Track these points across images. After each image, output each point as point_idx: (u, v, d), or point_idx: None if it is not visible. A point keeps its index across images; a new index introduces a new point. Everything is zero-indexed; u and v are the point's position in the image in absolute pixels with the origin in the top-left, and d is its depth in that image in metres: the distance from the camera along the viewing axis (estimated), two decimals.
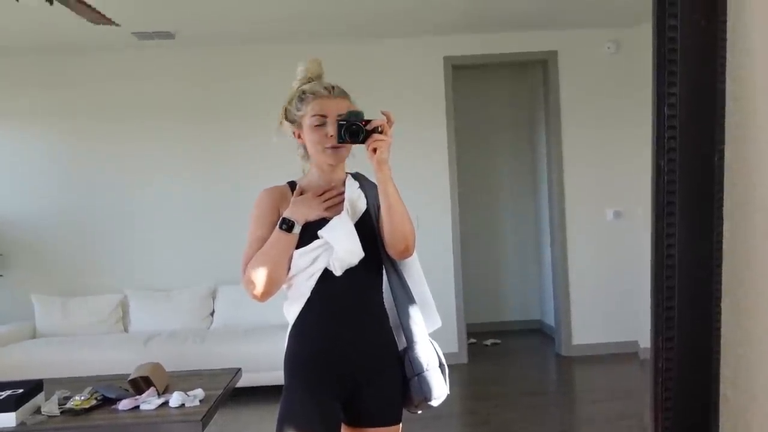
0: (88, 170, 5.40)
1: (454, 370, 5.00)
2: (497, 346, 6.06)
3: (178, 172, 5.41)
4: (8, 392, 2.37)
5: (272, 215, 1.81)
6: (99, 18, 2.55)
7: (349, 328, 1.79)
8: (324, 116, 1.78)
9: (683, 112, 0.87)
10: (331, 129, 1.77)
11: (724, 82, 0.88)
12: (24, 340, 4.94)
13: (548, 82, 5.57)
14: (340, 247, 1.75)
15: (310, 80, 1.86)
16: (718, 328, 0.91)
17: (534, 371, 5.40)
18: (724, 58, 0.87)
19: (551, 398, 4.74)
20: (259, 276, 1.73)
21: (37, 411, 2.41)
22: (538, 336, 6.41)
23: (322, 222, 1.78)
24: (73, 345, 4.74)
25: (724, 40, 0.87)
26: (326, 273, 1.77)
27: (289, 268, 1.77)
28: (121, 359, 4.23)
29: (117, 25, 2.64)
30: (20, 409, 2.31)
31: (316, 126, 1.79)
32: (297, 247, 1.77)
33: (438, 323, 1.97)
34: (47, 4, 2.48)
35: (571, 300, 5.54)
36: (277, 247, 1.75)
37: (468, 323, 5.61)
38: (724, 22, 0.86)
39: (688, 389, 0.91)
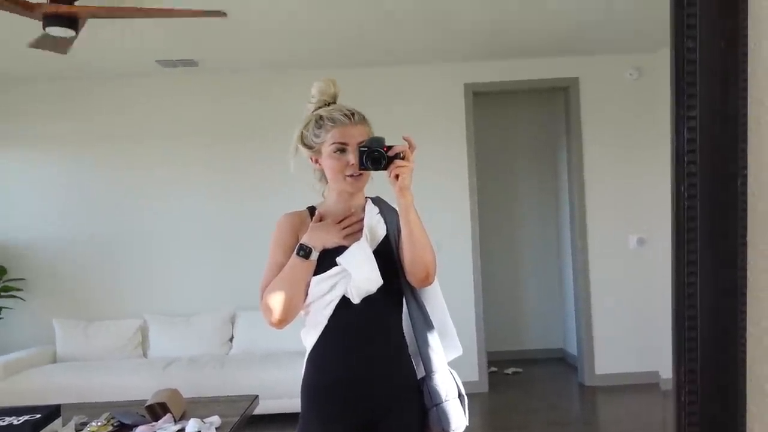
0: (110, 196, 5.46)
1: (475, 400, 4.94)
2: (518, 375, 5.96)
3: (199, 199, 5.45)
4: (26, 417, 2.37)
5: (291, 241, 1.79)
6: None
7: (365, 357, 1.76)
8: (345, 144, 1.76)
9: (703, 136, 0.85)
10: (352, 157, 1.74)
11: (746, 104, 0.86)
12: (45, 364, 4.97)
13: (570, 109, 5.55)
14: (358, 275, 1.72)
15: (326, 103, 1.85)
16: (744, 360, 0.88)
17: (556, 401, 5.29)
18: (746, 80, 0.85)
19: (574, 429, 4.64)
20: (276, 302, 1.72)
21: None
22: (560, 365, 6.30)
23: (341, 248, 1.76)
24: (92, 370, 4.76)
25: (745, 62, 0.85)
26: (344, 301, 1.74)
27: (307, 295, 1.76)
28: (140, 384, 4.24)
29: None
30: None
31: (336, 153, 1.77)
32: (315, 274, 1.75)
33: (459, 352, 1.93)
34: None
35: (593, 329, 5.45)
36: (293, 274, 1.73)
37: (489, 351, 5.54)
38: (745, 44, 0.85)
39: (714, 425, 0.87)
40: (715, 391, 0.87)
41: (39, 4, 2.63)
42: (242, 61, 5.19)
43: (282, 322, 1.74)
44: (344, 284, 1.74)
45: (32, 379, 4.61)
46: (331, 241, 1.76)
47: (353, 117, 1.79)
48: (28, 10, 2.55)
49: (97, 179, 5.48)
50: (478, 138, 5.60)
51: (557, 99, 6.02)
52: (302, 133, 1.85)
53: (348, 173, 1.77)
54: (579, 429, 4.67)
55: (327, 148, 1.78)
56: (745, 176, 0.87)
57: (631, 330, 5.36)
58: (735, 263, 0.86)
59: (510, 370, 6.03)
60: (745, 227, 0.87)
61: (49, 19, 2.63)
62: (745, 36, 0.84)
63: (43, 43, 2.86)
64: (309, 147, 1.84)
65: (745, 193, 0.87)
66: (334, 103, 1.85)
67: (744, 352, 0.88)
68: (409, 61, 5.34)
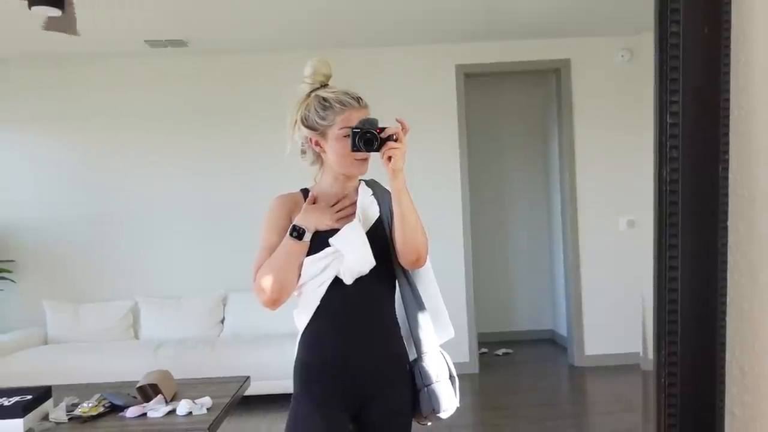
0: (100, 177, 5.44)
1: (466, 380, 4.97)
2: (509, 356, 6.02)
3: (189, 180, 5.43)
4: (17, 398, 2.37)
5: (284, 222, 1.79)
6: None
7: (358, 338, 1.77)
8: None
9: (686, 121, 0.85)
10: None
11: (728, 90, 0.86)
12: (35, 346, 4.96)
13: (561, 91, 5.54)
14: (350, 256, 1.73)
15: (321, 83, 1.83)
16: (723, 343, 0.89)
17: (546, 382, 5.35)
18: (728, 65, 0.85)
19: (564, 410, 4.69)
20: (269, 283, 1.72)
21: (45, 418, 2.42)
22: (550, 346, 6.35)
23: (334, 230, 1.76)
24: (83, 351, 4.76)
25: (728, 47, 0.85)
26: (337, 281, 1.75)
27: (300, 276, 1.76)
28: (131, 366, 4.24)
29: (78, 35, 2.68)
30: (28, 415, 2.32)
31: (346, 137, 1.74)
32: (307, 255, 1.75)
33: (451, 334, 1.94)
34: (58, 12, 2.51)
35: (583, 310, 5.49)
36: (286, 255, 1.74)
37: (479, 333, 5.58)
38: (728, 29, 0.85)
39: (693, 406, 0.88)
40: (695, 372, 0.89)
41: None
42: (231, 42, 5.15)
43: (275, 303, 1.75)
44: (337, 265, 1.74)
45: (23, 361, 4.61)
46: (324, 223, 1.76)
47: (360, 101, 1.78)
48: None
49: (87, 160, 5.45)
50: (470, 119, 5.60)
51: (549, 81, 6.01)
52: (303, 113, 1.81)
53: (356, 157, 1.77)
54: (568, 409, 4.72)
55: (335, 131, 1.76)
56: (727, 161, 0.87)
57: (621, 311, 5.40)
58: (716, 247, 0.87)
59: (500, 351, 6.08)
60: (726, 212, 0.87)
61: None
62: (728, 21, 0.85)
63: (53, 23, 2.83)
64: (311, 128, 1.80)
65: (726, 178, 0.87)
66: (328, 83, 1.84)
67: (724, 335, 0.89)
68: (401, 42, 5.32)
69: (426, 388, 1.81)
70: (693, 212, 0.86)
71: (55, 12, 2.58)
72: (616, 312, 5.43)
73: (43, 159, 5.44)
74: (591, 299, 5.49)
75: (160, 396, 2.56)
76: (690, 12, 0.84)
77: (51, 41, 4.87)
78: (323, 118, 1.77)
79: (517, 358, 5.97)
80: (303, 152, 1.88)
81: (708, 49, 0.85)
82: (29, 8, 2.71)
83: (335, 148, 1.77)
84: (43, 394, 2.47)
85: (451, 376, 1.86)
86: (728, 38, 0.85)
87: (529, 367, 5.75)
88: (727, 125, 0.86)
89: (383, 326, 1.83)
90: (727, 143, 0.86)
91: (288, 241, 1.74)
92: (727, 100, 0.86)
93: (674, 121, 0.85)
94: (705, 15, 0.84)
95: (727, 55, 0.85)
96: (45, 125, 5.43)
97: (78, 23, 3.79)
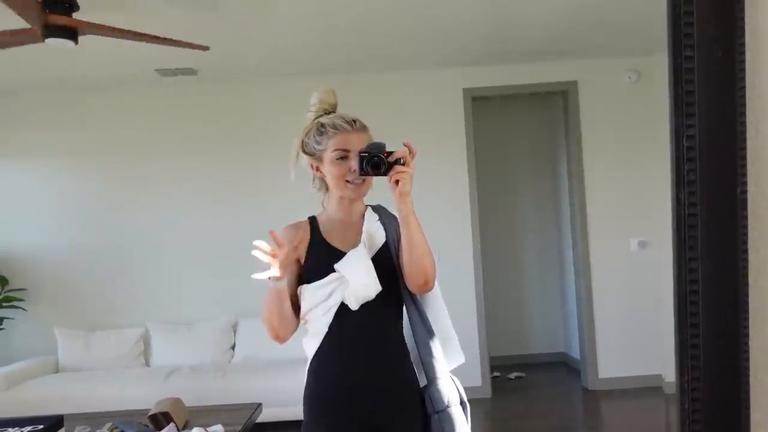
0: (110, 205, 5.47)
1: (478, 405, 4.93)
2: (521, 380, 5.95)
3: (199, 207, 5.45)
4: (29, 428, 2.37)
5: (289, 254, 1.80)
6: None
7: (366, 365, 1.76)
8: (347, 150, 1.77)
9: (702, 144, 0.85)
10: (354, 164, 1.75)
11: (744, 112, 0.86)
12: (47, 374, 4.96)
13: (568, 113, 5.55)
14: (355, 281, 1.73)
15: (326, 111, 1.86)
16: (747, 368, 0.88)
17: (560, 406, 5.28)
18: (743, 88, 0.85)
19: None
20: (267, 322, 1.77)
21: None
22: (563, 369, 6.29)
23: (340, 255, 1.77)
24: (94, 379, 4.75)
25: (743, 70, 0.85)
26: (343, 308, 1.75)
27: (299, 311, 1.78)
28: (142, 394, 4.22)
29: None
30: None
31: (339, 160, 1.78)
32: (313, 281, 1.76)
33: (461, 359, 1.93)
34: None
35: (596, 332, 5.44)
36: (272, 299, 1.76)
37: (491, 356, 5.53)
38: (742, 52, 0.85)
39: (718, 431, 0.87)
40: (718, 398, 0.87)
41: (40, 15, 2.63)
42: (241, 70, 5.20)
43: (280, 339, 1.78)
44: (342, 291, 1.74)
45: (34, 390, 4.60)
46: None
47: (355, 124, 1.81)
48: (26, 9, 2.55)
49: (97, 189, 5.48)
50: (478, 143, 5.61)
51: (556, 103, 6.02)
52: (303, 140, 1.85)
53: (350, 179, 1.78)
54: None
55: (329, 155, 1.79)
56: (745, 183, 0.87)
57: (635, 333, 5.35)
58: (736, 270, 0.86)
59: (513, 375, 6.02)
60: (745, 234, 0.87)
61: (49, 30, 2.64)
62: (742, 45, 0.85)
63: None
64: (310, 154, 1.84)
65: (745, 200, 0.87)
66: (334, 112, 1.86)
67: (747, 359, 0.88)
68: (408, 66, 5.35)
69: (437, 415, 1.79)
70: (712, 235, 0.86)
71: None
72: (629, 334, 5.37)
73: (54, 188, 5.48)
74: (603, 321, 5.44)
75: (172, 424, 2.54)
76: (703, 35, 0.84)
77: (65, 71, 4.94)
78: (319, 143, 1.81)
79: (529, 382, 5.91)
80: (313, 179, 1.90)
81: (723, 72, 0.85)
82: (43, 40, 2.75)
83: (330, 171, 1.80)
84: (55, 423, 2.46)
85: (462, 402, 1.84)
86: (743, 62, 0.85)
87: (542, 391, 5.69)
88: (744, 148, 0.86)
89: (392, 352, 1.82)
90: (744, 165, 0.86)
91: (270, 285, 1.75)
92: (744, 122, 0.86)
93: (691, 144, 0.84)
94: (718, 38, 0.84)
95: (743, 78, 0.85)
96: (55, 155, 5.48)
97: (90, 53, 3.84)
